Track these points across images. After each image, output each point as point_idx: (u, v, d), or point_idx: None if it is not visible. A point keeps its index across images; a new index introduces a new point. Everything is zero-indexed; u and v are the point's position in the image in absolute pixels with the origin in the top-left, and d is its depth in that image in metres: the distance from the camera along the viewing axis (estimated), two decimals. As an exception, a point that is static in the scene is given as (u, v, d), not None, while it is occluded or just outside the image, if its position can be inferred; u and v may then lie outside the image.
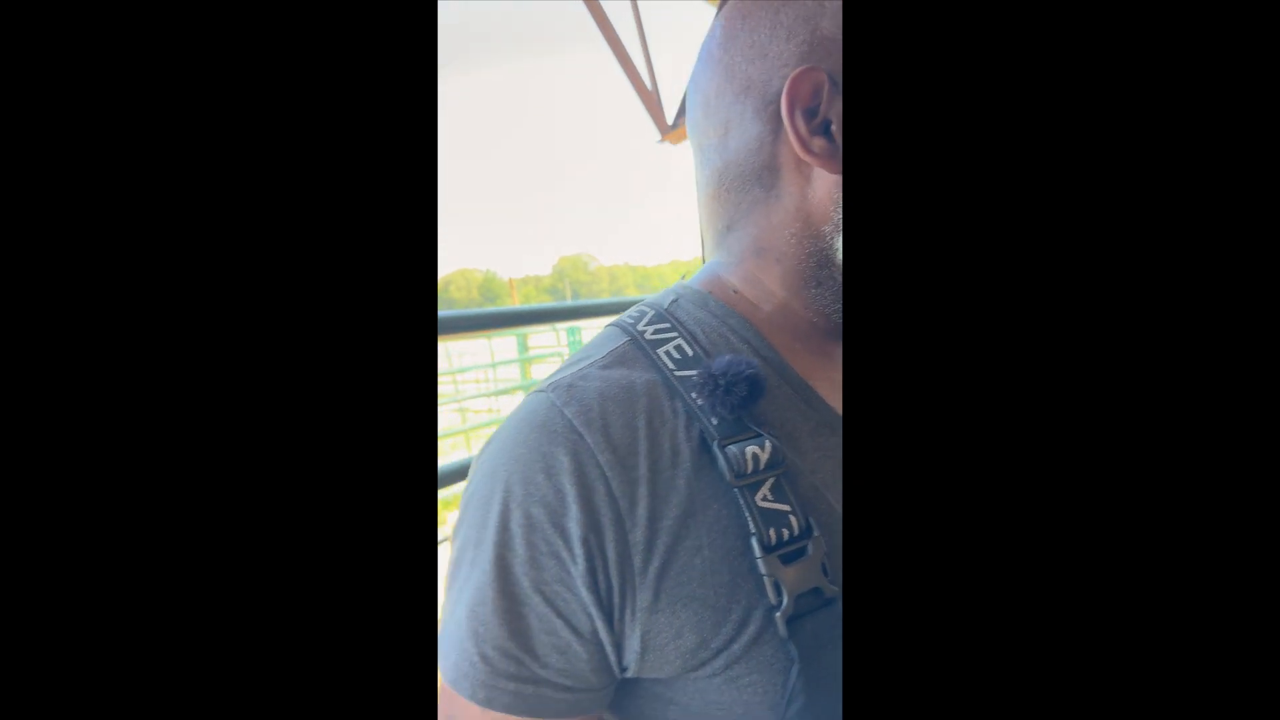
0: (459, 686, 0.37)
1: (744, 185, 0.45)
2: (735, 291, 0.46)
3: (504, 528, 0.37)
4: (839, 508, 0.40)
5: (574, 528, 0.36)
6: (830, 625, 0.37)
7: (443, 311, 1.04)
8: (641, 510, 0.37)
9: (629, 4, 1.46)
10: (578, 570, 0.36)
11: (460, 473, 1.07)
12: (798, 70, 0.40)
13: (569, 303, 1.28)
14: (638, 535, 0.36)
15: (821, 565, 0.37)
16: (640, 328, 0.44)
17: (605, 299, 1.37)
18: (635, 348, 0.43)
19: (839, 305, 0.44)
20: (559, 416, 0.38)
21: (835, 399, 0.45)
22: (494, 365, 4.99)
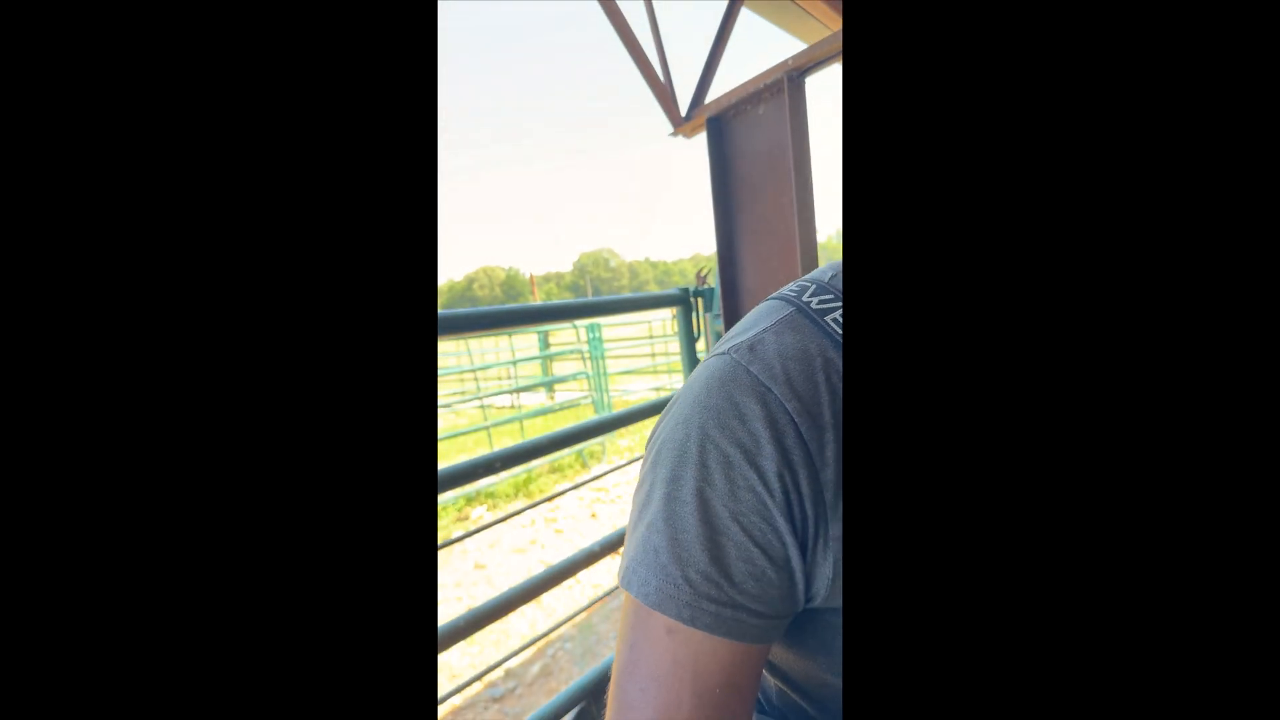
0: (664, 607, 0.39)
1: None
2: None
3: (703, 464, 0.39)
4: None
5: (769, 465, 0.38)
6: None
7: (465, 309, 1.05)
8: (830, 452, 0.39)
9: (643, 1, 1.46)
10: (774, 502, 0.38)
11: (485, 467, 1.09)
12: None
13: (592, 299, 1.29)
14: (828, 474, 0.39)
15: None
16: (805, 299, 0.46)
17: (625, 295, 1.37)
18: (803, 316, 0.45)
19: None
20: (744, 373, 0.41)
21: None
22: (515, 362, 5.03)
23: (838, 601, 0.40)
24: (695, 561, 0.39)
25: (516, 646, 1.70)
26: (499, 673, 1.90)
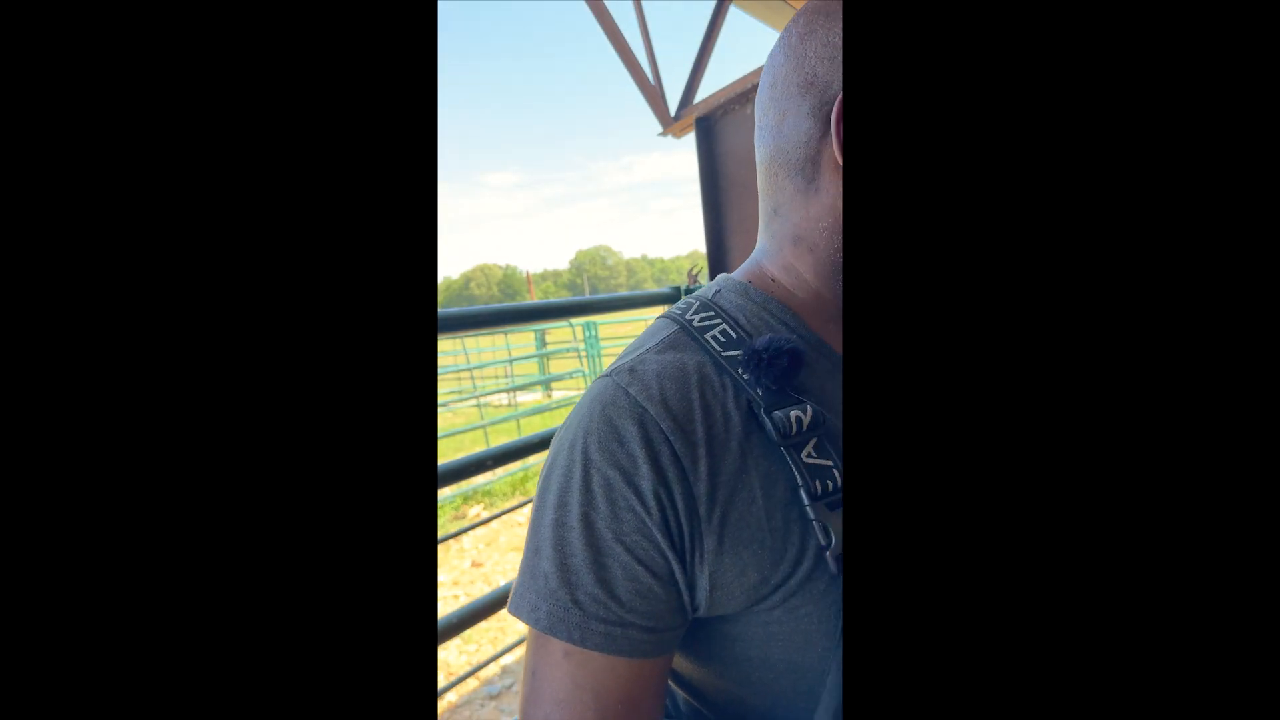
0: (556, 631, 0.41)
1: (789, 172, 0.48)
2: (773, 280, 0.50)
3: (586, 489, 0.42)
4: None
5: (646, 484, 0.40)
6: None
7: (461, 308, 1.06)
8: (702, 467, 0.41)
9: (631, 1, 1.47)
10: (653, 520, 0.40)
11: (478, 465, 1.10)
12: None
13: (586, 297, 1.30)
14: (700, 488, 0.41)
15: None
16: (688, 317, 0.49)
17: (621, 293, 1.39)
18: (685, 334, 0.47)
19: None
20: (624, 395, 0.43)
21: None
22: (511, 361, 5.03)
23: (720, 610, 0.42)
24: (584, 584, 0.40)
25: (512, 643, 1.71)
26: (495, 669, 1.91)
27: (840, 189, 0.46)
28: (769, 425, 0.41)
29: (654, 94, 1.43)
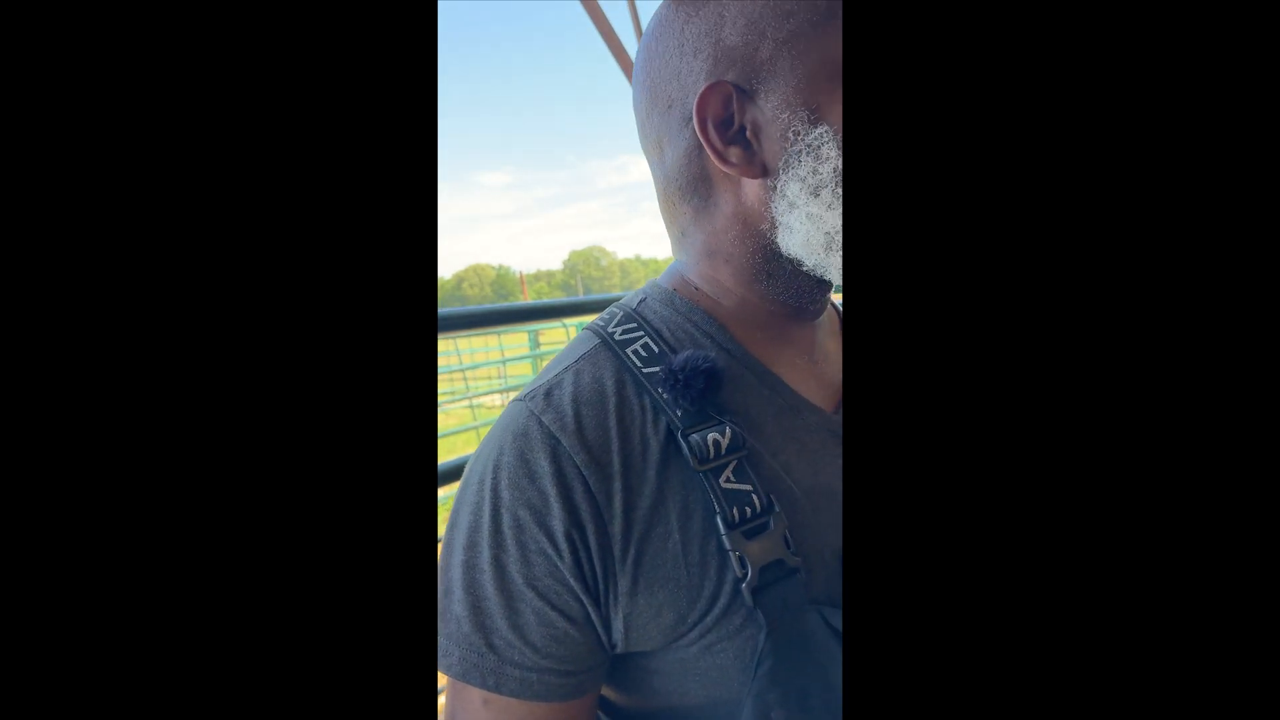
0: (470, 678, 0.40)
1: (685, 196, 0.47)
2: (697, 289, 0.49)
3: (496, 530, 0.40)
4: (803, 484, 0.43)
5: (558, 525, 0.39)
6: (795, 593, 0.40)
7: (454, 308, 1.06)
8: (617, 503, 0.40)
9: (625, 1, 1.47)
10: (565, 564, 0.39)
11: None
12: (703, 87, 0.42)
13: (579, 298, 1.30)
14: (615, 527, 0.40)
15: (784, 538, 0.40)
16: (610, 329, 0.47)
17: (615, 294, 1.38)
18: (606, 349, 0.46)
19: (791, 292, 0.47)
20: (537, 425, 0.41)
21: (799, 382, 0.47)
22: (504, 362, 5.02)
23: (638, 648, 0.41)
24: (497, 628, 0.39)
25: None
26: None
27: (736, 195, 0.45)
28: (686, 449, 0.40)
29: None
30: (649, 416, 0.42)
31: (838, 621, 0.40)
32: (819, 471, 0.44)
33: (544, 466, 0.40)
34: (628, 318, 0.48)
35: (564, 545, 0.39)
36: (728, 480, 0.40)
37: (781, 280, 0.46)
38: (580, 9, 1.39)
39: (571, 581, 0.39)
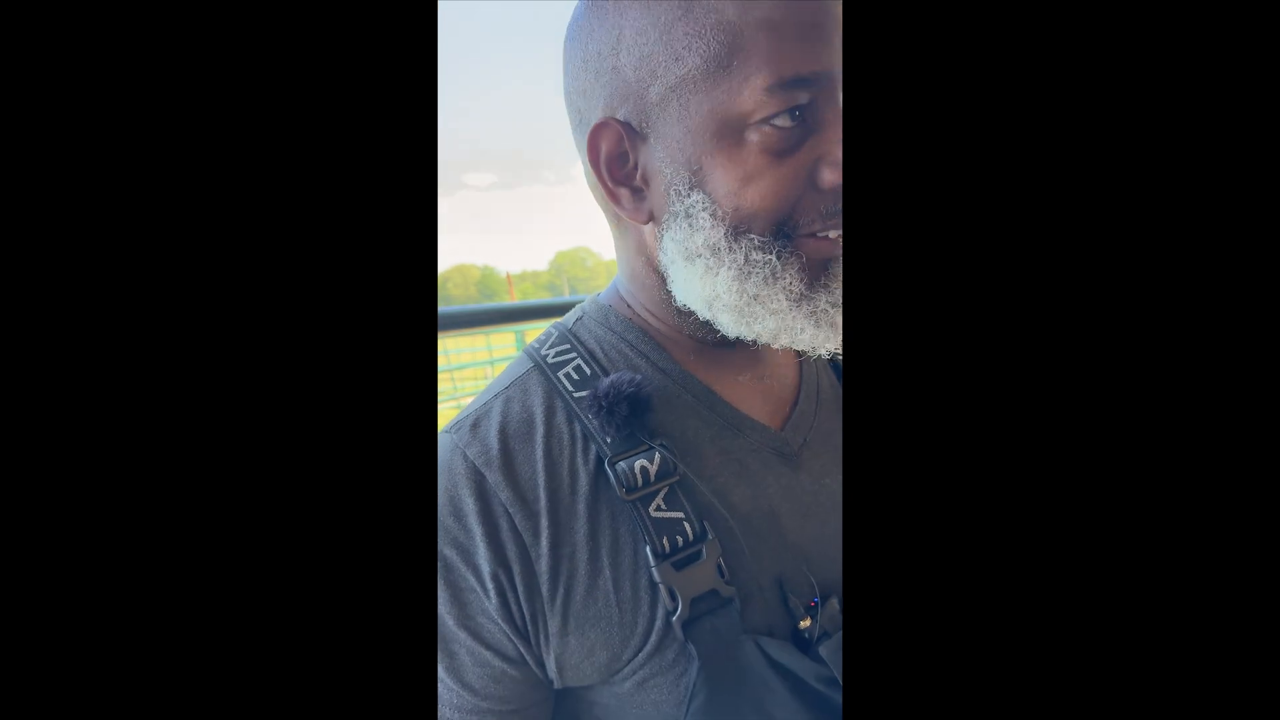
0: None
1: (607, 214, 0.46)
2: (630, 307, 0.47)
3: None
4: (741, 508, 0.42)
5: (484, 565, 0.38)
6: (729, 624, 0.38)
7: (442, 308, 1.04)
8: (544, 541, 0.38)
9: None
10: (492, 604, 0.38)
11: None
12: (592, 127, 0.40)
13: (566, 298, 1.29)
14: (543, 565, 0.38)
15: (717, 567, 0.39)
16: (543, 352, 0.46)
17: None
18: (538, 373, 0.44)
19: (708, 330, 0.44)
20: (461, 459, 0.40)
21: (739, 399, 0.46)
22: (491, 363, 4.99)
23: (573, 684, 0.40)
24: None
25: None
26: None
27: (639, 229, 0.43)
28: (613, 478, 0.39)
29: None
30: (579, 446, 0.41)
31: (776, 652, 0.38)
32: (760, 494, 0.42)
33: (469, 503, 0.38)
34: (562, 338, 0.46)
35: (490, 585, 0.37)
36: (658, 509, 0.39)
37: (692, 319, 0.44)
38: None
39: (501, 621, 0.38)
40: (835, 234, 0.40)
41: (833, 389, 0.52)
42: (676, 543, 0.38)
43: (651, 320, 0.46)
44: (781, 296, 0.40)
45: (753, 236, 0.39)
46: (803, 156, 0.38)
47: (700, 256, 0.39)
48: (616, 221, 0.45)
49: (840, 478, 0.46)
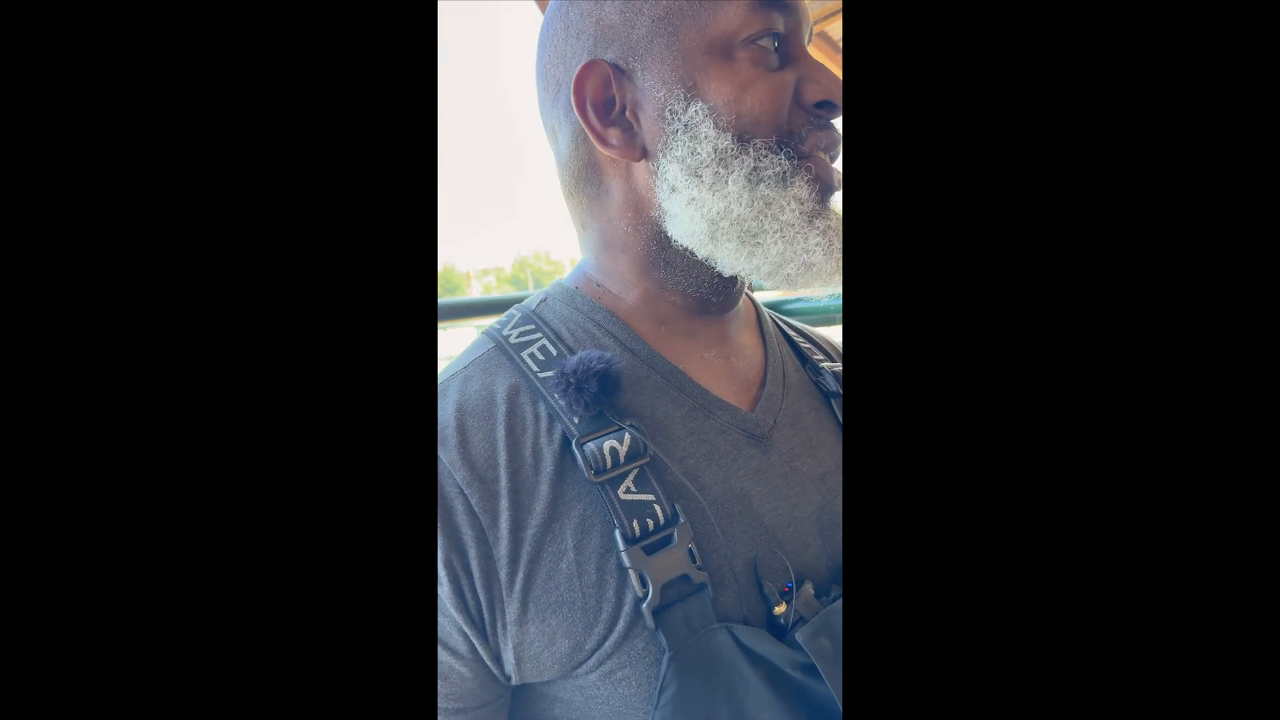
0: None
1: (580, 185, 0.45)
2: (599, 285, 0.46)
3: None
4: (712, 490, 0.40)
5: (436, 550, 0.36)
6: (701, 610, 0.37)
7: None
8: (504, 523, 0.36)
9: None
10: (444, 592, 0.36)
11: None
12: (579, 67, 0.41)
13: (527, 293, 1.15)
14: (501, 549, 0.36)
15: (689, 551, 0.37)
16: (505, 332, 0.44)
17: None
18: (500, 353, 0.43)
19: (691, 280, 0.45)
20: None
21: (708, 379, 0.45)
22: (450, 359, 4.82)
23: (532, 680, 0.37)
24: None
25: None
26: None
27: (625, 180, 0.43)
28: (580, 460, 0.36)
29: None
30: (543, 425, 0.39)
31: (750, 640, 0.37)
32: (731, 475, 0.42)
33: None
34: (525, 319, 0.46)
35: (442, 573, 0.35)
36: (628, 491, 0.38)
37: (679, 270, 0.44)
38: (534, 8, 1.33)
39: (453, 612, 0.36)
40: (837, 164, 0.42)
41: (798, 373, 0.51)
42: (647, 526, 0.37)
43: (623, 296, 0.46)
44: (794, 206, 0.40)
45: (758, 141, 0.40)
46: (788, 75, 0.41)
47: (707, 168, 0.39)
48: (596, 184, 0.44)
49: (810, 460, 0.46)
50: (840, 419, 0.50)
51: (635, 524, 0.37)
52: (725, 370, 0.46)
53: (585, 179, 0.45)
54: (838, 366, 0.54)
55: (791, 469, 0.44)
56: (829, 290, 0.43)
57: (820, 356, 0.54)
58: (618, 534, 0.36)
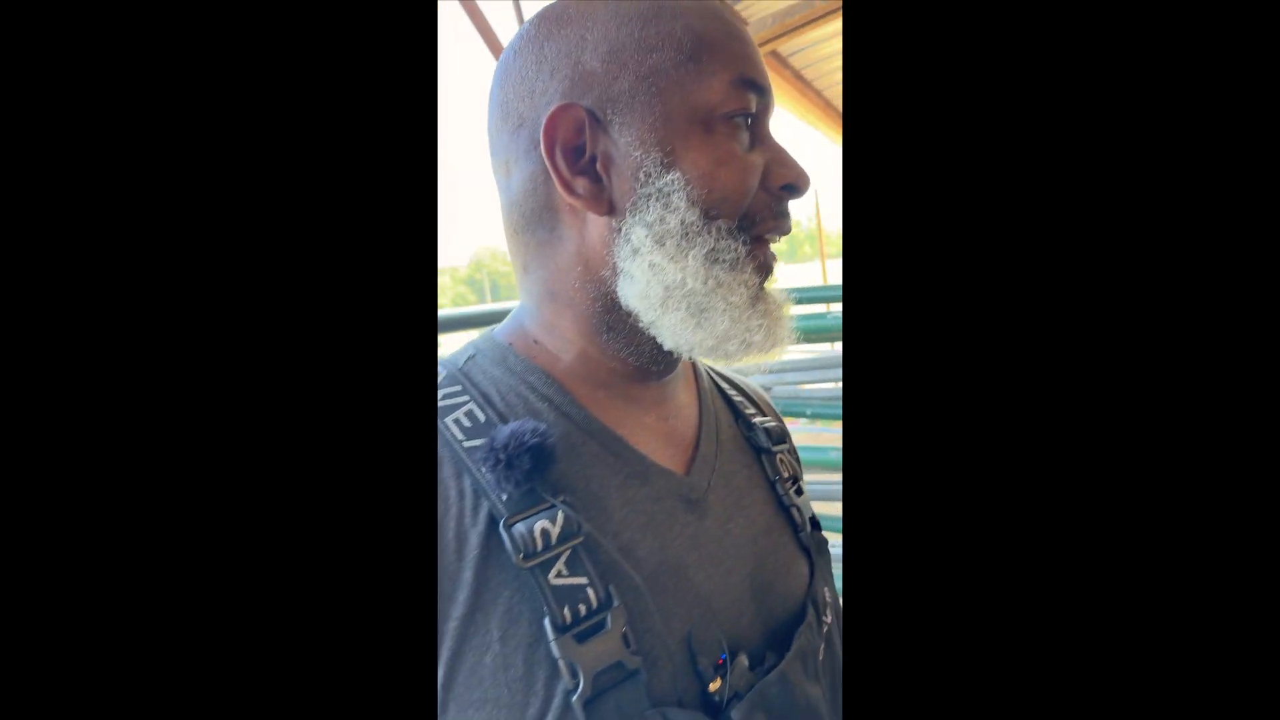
0: None
1: (530, 227, 0.44)
2: (536, 342, 0.45)
3: None
4: (648, 564, 0.40)
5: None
6: (635, 698, 0.35)
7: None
8: None
9: (510, 4, 1.38)
10: None
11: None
12: (554, 107, 0.40)
13: (490, 308, 1.23)
14: None
15: (623, 636, 0.36)
16: None
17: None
18: None
19: (632, 349, 0.44)
20: None
21: (646, 443, 0.44)
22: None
23: None
24: None
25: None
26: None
27: (580, 231, 0.42)
28: (508, 543, 0.35)
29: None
30: (468, 504, 0.37)
31: None
32: (666, 546, 0.41)
33: None
34: (451, 379, 0.43)
35: None
36: (559, 575, 0.36)
37: (622, 335, 0.43)
38: (459, 9, 1.30)
39: None
40: (777, 242, 0.44)
41: (731, 428, 0.51)
42: (579, 612, 0.35)
43: (561, 355, 0.44)
44: (742, 289, 0.41)
45: (721, 223, 0.40)
46: (757, 157, 0.42)
47: (671, 238, 0.39)
48: (548, 229, 0.43)
49: (743, 521, 0.46)
50: (770, 477, 0.50)
51: (566, 611, 0.35)
52: (664, 433, 0.46)
53: (537, 222, 0.43)
54: (770, 422, 0.54)
55: (725, 532, 0.44)
56: (763, 362, 0.44)
57: (753, 410, 0.54)
58: (547, 622, 0.35)
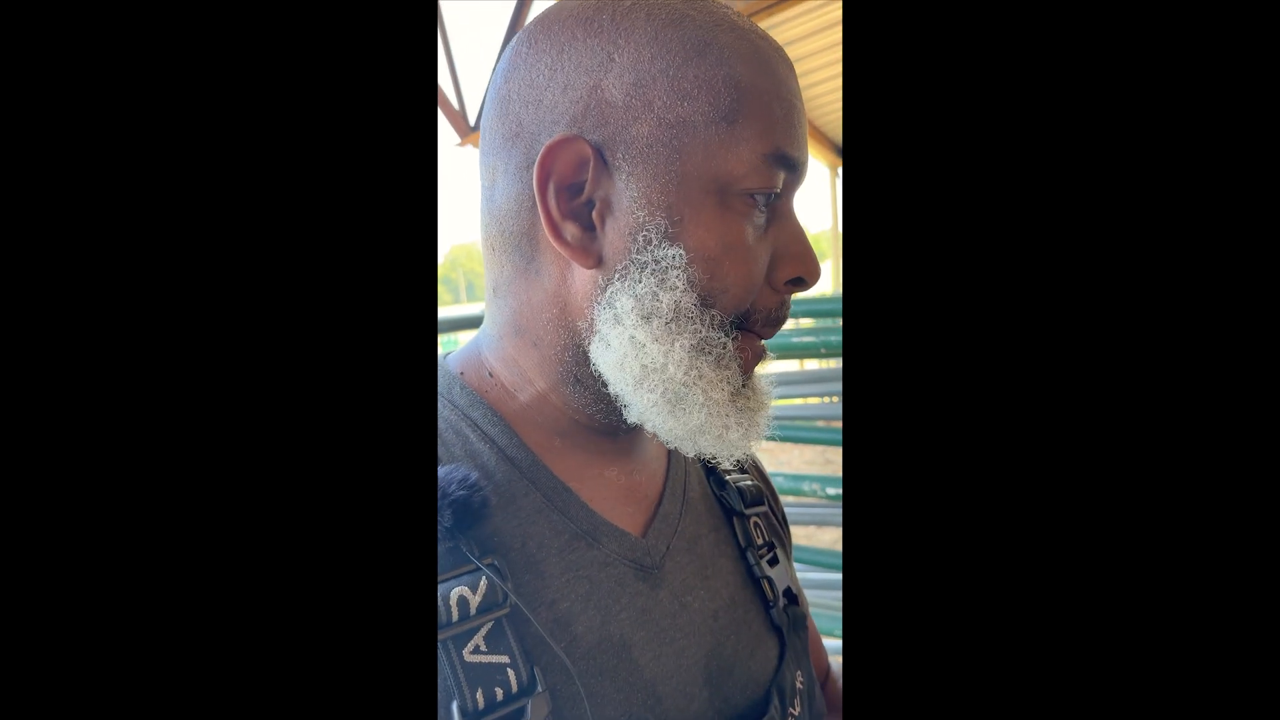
0: None
1: (508, 250, 0.38)
2: (491, 375, 0.40)
3: None
4: (586, 640, 0.35)
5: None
6: None
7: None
8: None
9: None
10: None
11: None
12: (555, 138, 0.35)
13: (465, 311, 1.23)
14: None
15: None
16: None
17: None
18: None
19: (599, 409, 0.39)
20: None
21: (600, 499, 0.39)
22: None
23: None
24: None
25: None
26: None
27: (562, 272, 0.37)
28: None
29: (447, 103, 1.39)
30: None
31: None
32: (609, 620, 0.36)
33: None
34: None
35: None
36: (475, 651, 0.31)
37: (590, 391, 0.38)
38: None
39: None
40: (769, 335, 0.39)
41: (701, 486, 0.46)
42: (494, 697, 0.31)
43: (517, 393, 0.39)
44: (724, 386, 0.36)
45: (716, 313, 0.36)
46: (767, 244, 0.37)
47: (660, 318, 0.35)
48: (527, 258, 0.38)
49: (704, 594, 0.41)
50: (740, 542, 0.45)
51: (480, 694, 0.31)
52: (624, 488, 0.41)
53: (517, 248, 0.38)
54: (745, 480, 0.49)
55: (682, 605, 0.39)
56: (744, 451, 0.39)
57: (728, 467, 0.48)
58: (455, 707, 0.30)
